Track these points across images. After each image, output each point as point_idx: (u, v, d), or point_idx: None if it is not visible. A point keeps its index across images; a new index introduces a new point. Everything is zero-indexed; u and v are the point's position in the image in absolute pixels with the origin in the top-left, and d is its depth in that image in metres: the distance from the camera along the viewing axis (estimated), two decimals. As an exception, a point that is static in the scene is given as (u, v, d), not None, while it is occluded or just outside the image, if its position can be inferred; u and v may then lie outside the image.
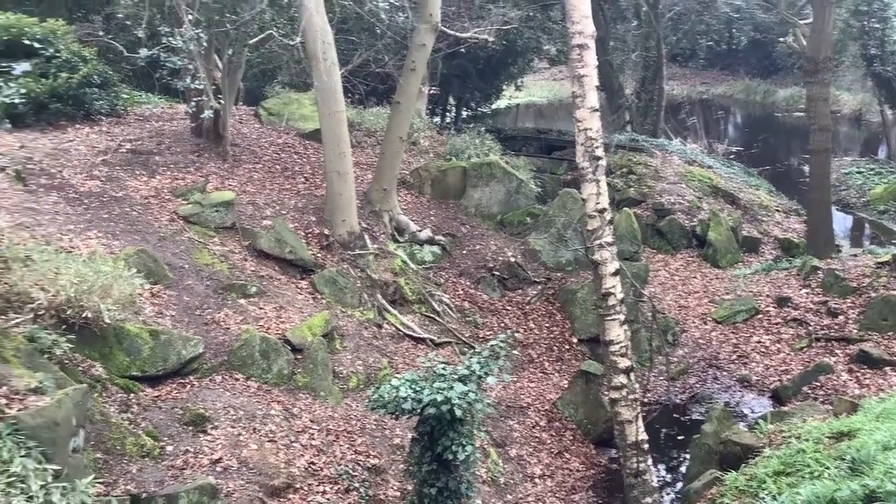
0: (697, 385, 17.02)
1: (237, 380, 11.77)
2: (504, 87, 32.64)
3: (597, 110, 12.04)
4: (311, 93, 19.97)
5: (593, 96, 11.94)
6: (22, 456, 7.45)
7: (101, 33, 20.32)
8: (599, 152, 11.93)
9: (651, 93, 31.54)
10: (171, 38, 14.97)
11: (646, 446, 12.22)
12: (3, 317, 9.35)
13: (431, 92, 27.29)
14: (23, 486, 7.27)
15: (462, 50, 23.49)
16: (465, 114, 32.47)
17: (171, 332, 11.38)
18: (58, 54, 17.45)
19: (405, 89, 17.70)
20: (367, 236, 16.56)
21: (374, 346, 14.42)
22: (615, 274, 12.06)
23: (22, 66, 6.07)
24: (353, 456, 11.44)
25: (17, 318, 9.51)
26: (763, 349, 17.64)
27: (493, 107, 35.21)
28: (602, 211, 11.91)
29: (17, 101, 5.61)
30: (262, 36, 17.36)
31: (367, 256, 16.19)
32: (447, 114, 32.06)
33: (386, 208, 17.61)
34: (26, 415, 7.75)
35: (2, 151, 14.47)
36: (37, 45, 16.54)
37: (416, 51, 17.43)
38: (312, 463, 10.85)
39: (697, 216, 22.86)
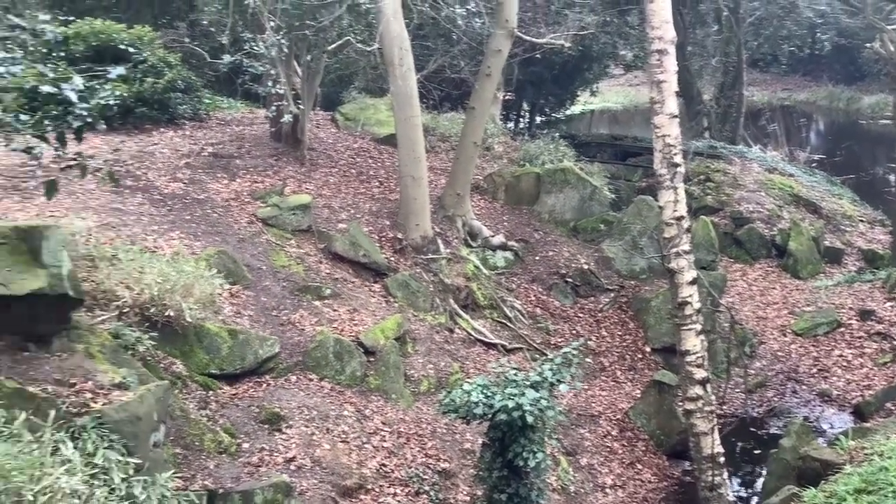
0: (775, 399, 16.61)
1: (311, 380, 11.95)
2: (579, 92, 32.39)
3: (676, 116, 11.87)
4: (387, 98, 20.16)
5: (672, 102, 11.77)
6: (105, 448, 7.69)
7: (186, 40, 20.92)
8: (678, 159, 11.75)
9: (730, 99, 30.89)
10: (253, 45, 15.32)
11: (722, 459, 11.97)
12: (89, 313, 9.69)
13: (506, 98, 27.25)
14: (105, 477, 7.47)
15: (537, 56, 23.38)
16: (538, 119, 32.32)
17: (248, 332, 11.62)
18: (144, 60, 18.02)
19: (480, 95, 17.74)
20: (440, 241, 16.62)
21: (445, 350, 14.46)
22: (692, 283, 11.86)
23: (117, 70, 6.31)
24: (424, 459, 11.49)
25: (102, 314, 9.85)
26: (845, 363, 17.11)
27: (568, 112, 34.97)
28: (679, 219, 11.73)
29: (111, 102, 5.85)
30: (340, 42, 17.61)
31: (440, 261, 16.25)
32: (521, 119, 31.97)
33: (459, 213, 17.65)
34: (110, 409, 7.99)
35: (92, 153, 15.00)
36: (131, 49, 17.10)
37: (491, 56, 17.45)
38: (384, 465, 10.94)
39: (777, 225, 22.28)
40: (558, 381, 9.83)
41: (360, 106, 22.48)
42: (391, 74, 16.05)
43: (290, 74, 17.06)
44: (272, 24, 15.37)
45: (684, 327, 11.90)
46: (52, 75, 5.36)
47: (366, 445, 11.07)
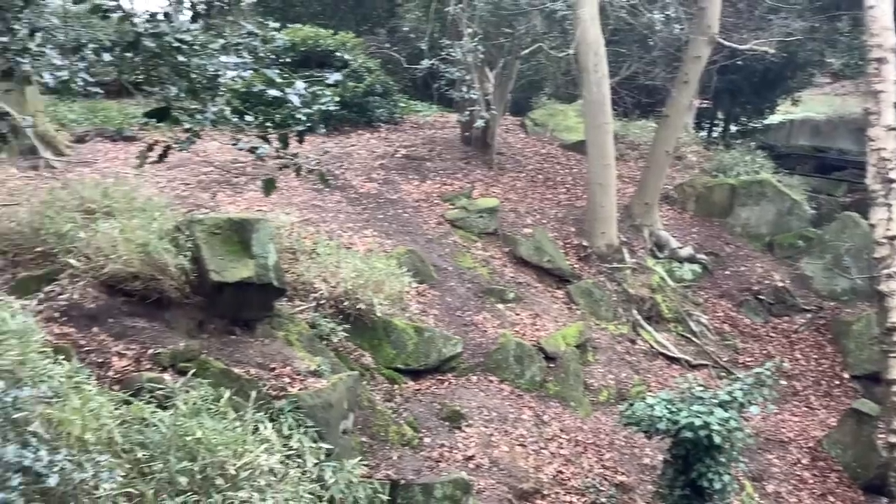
0: None
1: (491, 381, 12.07)
2: (779, 101, 30.81)
3: (893, 129, 11.07)
4: (577, 104, 20.03)
5: (890, 114, 11.00)
6: (300, 433, 8.12)
7: (385, 45, 21.70)
8: (894, 174, 10.95)
9: (952, 111, 28.39)
10: (450, 51, 15.69)
11: (927, 501, 11.05)
12: (289, 303, 10.28)
13: (701, 105, 26.37)
14: (299, 460, 7.89)
15: (737, 62, 22.45)
16: (733, 128, 31.01)
17: (433, 330, 11.92)
18: (347, 64, 18.86)
19: (675, 102, 17.28)
20: (625, 250, 16.34)
21: (626, 361, 14.20)
22: (903, 308, 11.02)
23: (335, 76, 6.68)
24: (601, 470, 11.32)
25: (301, 305, 10.43)
26: None
27: (765, 122, 33.34)
28: (893, 238, 10.95)
29: (331, 108, 6.19)
30: (532, 48, 17.69)
31: (625, 270, 15.97)
32: (714, 128, 30.80)
33: (647, 223, 17.26)
34: (306, 394, 8.45)
35: (297, 153, 15.91)
36: (338, 54, 17.95)
37: (690, 63, 16.97)
38: (560, 472, 10.87)
39: None
40: (749, 402, 9.42)
41: (549, 112, 22.51)
42: (585, 80, 15.95)
43: (483, 80, 17.33)
44: (469, 30, 15.68)
45: (892, 355, 11.07)
46: (278, 80, 5.73)
47: (543, 451, 11.06)
